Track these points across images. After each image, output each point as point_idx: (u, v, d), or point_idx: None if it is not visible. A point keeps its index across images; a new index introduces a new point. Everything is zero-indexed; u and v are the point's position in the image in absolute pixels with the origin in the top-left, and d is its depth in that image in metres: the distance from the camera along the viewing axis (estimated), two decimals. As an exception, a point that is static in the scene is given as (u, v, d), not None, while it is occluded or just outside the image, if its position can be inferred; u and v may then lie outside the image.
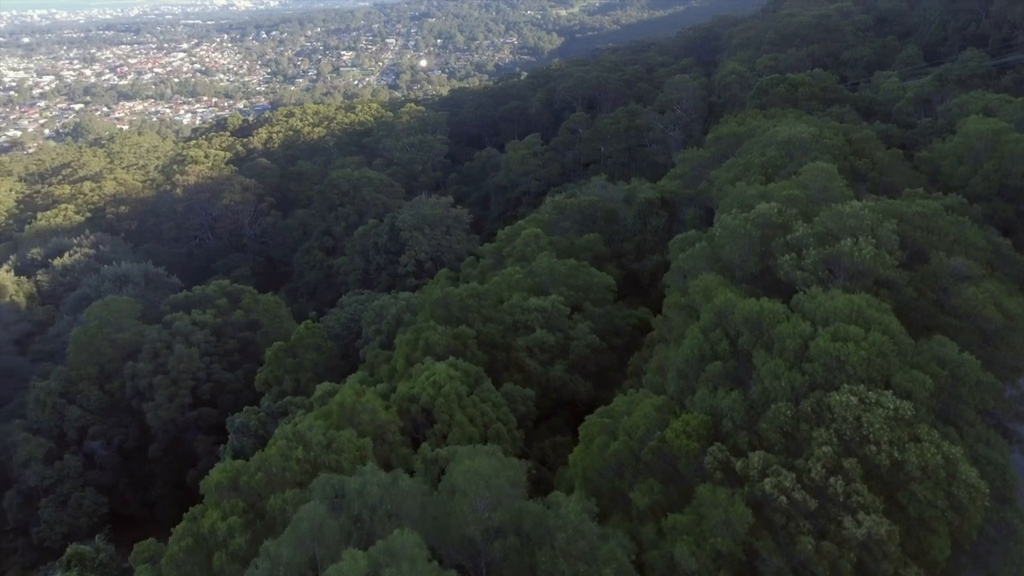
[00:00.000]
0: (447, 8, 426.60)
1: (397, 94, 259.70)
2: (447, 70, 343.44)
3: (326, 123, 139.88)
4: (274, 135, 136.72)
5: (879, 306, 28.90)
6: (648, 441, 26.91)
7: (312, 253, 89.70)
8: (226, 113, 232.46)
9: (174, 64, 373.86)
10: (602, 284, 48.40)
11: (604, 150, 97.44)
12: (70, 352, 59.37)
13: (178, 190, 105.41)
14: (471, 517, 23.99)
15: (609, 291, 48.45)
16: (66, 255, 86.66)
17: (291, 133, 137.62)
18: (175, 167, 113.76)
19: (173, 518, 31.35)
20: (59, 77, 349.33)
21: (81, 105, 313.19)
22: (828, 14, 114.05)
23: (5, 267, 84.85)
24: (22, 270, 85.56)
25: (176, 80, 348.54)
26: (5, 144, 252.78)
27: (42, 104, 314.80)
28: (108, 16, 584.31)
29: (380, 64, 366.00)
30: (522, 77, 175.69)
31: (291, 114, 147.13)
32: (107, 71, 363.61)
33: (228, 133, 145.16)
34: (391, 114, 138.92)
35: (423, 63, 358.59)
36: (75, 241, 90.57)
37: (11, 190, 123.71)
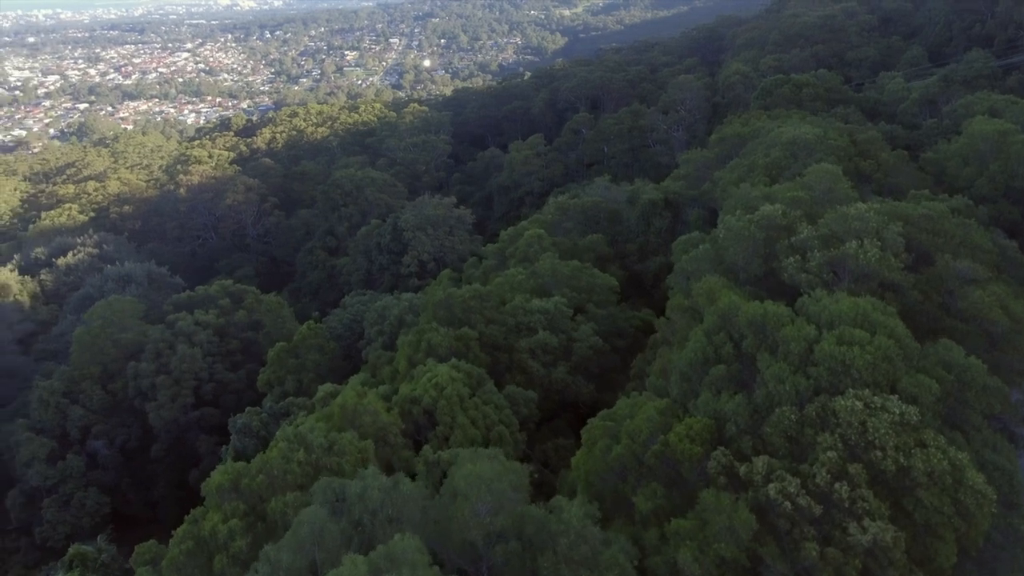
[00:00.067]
0: (451, 8, 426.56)
1: (401, 94, 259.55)
2: (451, 70, 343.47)
3: (329, 123, 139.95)
4: (278, 135, 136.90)
5: (884, 309, 28.66)
6: (651, 445, 26.71)
7: (315, 253, 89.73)
8: (230, 113, 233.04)
9: (178, 64, 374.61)
10: (605, 285, 48.18)
11: (607, 150, 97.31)
12: (73, 352, 59.44)
13: (182, 190, 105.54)
14: (473, 521, 23.86)
15: (612, 293, 48.20)
16: (70, 255, 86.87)
17: (295, 133, 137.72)
18: (179, 167, 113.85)
19: (175, 518, 31.36)
20: (64, 77, 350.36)
21: (86, 105, 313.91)
22: (833, 14, 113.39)
23: (9, 266, 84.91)
24: (26, 269, 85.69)
25: (180, 80, 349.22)
26: (10, 144, 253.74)
27: (47, 104, 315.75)
28: (113, 16, 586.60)
29: (384, 64, 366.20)
30: (525, 77, 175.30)
31: (295, 114, 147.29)
32: (111, 71, 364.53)
33: (232, 133, 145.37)
34: (394, 114, 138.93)
35: (427, 63, 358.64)
36: (79, 241, 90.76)
37: (16, 189, 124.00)
